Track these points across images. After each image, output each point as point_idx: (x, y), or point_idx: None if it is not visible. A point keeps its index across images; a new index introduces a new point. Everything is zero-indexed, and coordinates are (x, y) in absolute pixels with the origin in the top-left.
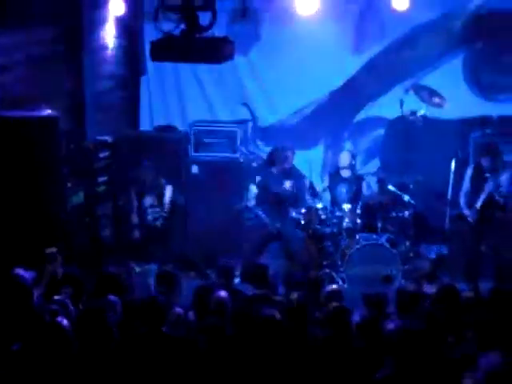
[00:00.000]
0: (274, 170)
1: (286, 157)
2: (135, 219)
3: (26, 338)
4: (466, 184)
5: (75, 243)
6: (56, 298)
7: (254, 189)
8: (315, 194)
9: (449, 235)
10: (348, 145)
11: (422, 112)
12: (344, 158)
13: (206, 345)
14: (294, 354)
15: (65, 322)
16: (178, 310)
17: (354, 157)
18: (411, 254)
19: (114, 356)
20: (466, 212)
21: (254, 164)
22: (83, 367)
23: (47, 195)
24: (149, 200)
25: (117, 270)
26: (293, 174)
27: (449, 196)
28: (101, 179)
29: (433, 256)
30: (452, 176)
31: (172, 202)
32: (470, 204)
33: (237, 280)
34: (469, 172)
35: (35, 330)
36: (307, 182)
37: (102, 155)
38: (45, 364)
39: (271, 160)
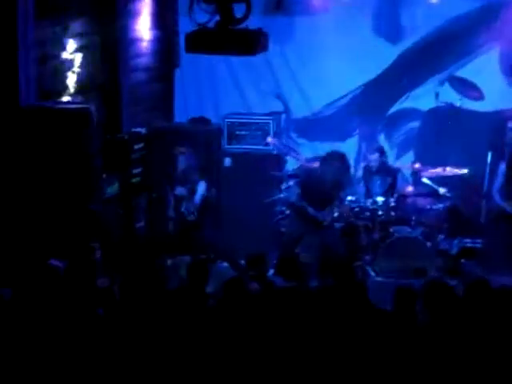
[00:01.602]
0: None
1: None
2: (170, 212)
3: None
4: (500, 179)
5: (110, 234)
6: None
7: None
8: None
9: (485, 228)
10: (382, 137)
11: (457, 104)
12: (373, 161)
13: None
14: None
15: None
16: (211, 301)
17: (383, 154)
18: (439, 247)
19: (147, 345)
20: (504, 204)
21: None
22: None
23: (82, 186)
24: (181, 190)
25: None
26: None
27: (485, 189)
28: (135, 171)
29: (455, 250)
30: (488, 169)
31: (204, 197)
32: (508, 197)
33: (271, 272)
34: (502, 167)
35: (73, 321)
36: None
37: (136, 147)
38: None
39: None
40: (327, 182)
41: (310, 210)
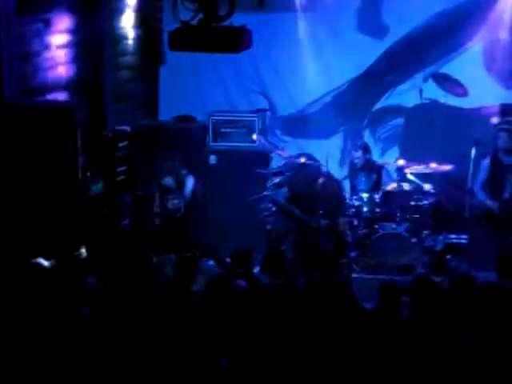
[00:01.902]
0: None
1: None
2: (156, 209)
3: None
4: (482, 175)
5: (96, 232)
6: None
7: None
8: None
9: (469, 224)
10: (366, 133)
11: (442, 100)
12: (357, 158)
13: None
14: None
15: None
16: (197, 298)
17: (367, 151)
18: (425, 244)
19: (134, 344)
20: (490, 203)
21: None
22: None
23: (66, 184)
24: (169, 181)
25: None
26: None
27: (469, 184)
28: (120, 169)
29: (440, 247)
30: (472, 165)
31: (193, 192)
32: (491, 193)
33: (257, 269)
34: (485, 163)
35: (60, 318)
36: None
37: (121, 145)
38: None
39: None
40: (317, 190)
41: (298, 212)
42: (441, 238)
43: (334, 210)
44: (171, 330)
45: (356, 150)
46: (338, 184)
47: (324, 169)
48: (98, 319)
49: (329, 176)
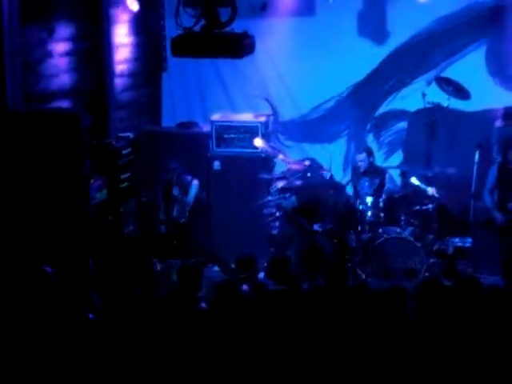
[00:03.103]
0: None
1: None
2: (161, 216)
3: (56, 334)
4: (490, 181)
5: (99, 239)
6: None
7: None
8: None
9: (474, 228)
10: (370, 138)
11: (445, 104)
12: (360, 161)
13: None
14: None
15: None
16: (203, 304)
17: (371, 154)
18: (435, 248)
19: (139, 350)
20: (497, 215)
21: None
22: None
23: (70, 191)
24: (175, 197)
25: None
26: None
27: (473, 188)
28: (123, 176)
29: (451, 250)
30: (476, 168)
31: (197, 197)
32: (501, 205)
33: (261, 275)
34: (494, 169)
35: (64, 324)
36: (328, 176)
37: (124, 152)
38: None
39: None
40: (327, 208)
41: (304, 222)
42: (451, 242)
43: (347, 223)
44: (177, 337)
45: (360, 153)
46: (348, 198)
47: (333, 180)
48: (104, 326)
49: (339, 188)
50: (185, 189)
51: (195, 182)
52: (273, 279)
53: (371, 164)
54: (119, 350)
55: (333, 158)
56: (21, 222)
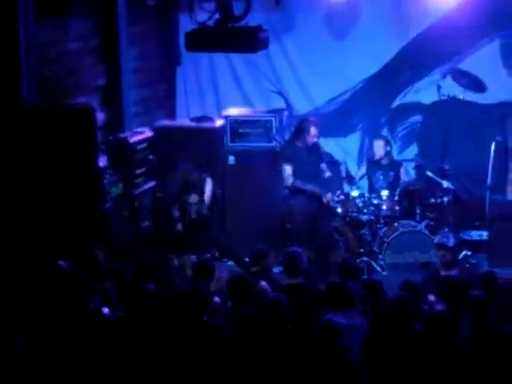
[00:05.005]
0: (299, 143)
1: (306, 129)
2: (176, 213)
3: (69, 327)
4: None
5: (115, 234)
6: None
7: (288, 169)
8: (352, 181)
9: (490, 221)
10: (384, 131)
11: (460, 96)
12: (378, 148)
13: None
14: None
15: (106, 310)
16: (216, 299)
17: (388, 143)
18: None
19: (155, 346)
20: None
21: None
22: (124, 355)
23: (86, 187)
24: (194, 197)
25: (154, 260)
26: (317, 150)
27: (489, 181)
28: (139, 171)
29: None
30: (492, 160)
31: (212, 194)
32: None
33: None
34: None
35: (79, 320)
36: (343, 169)
37: (139, 147)
38: (87, 352)
39: (295, 133)
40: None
41: (310, 186)
42: (451, 234)
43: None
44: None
45: (378, 139)
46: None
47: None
48: (118, 322)
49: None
50: (200, 190)
51: (209, 181)
52: (287, 274)
53: (387, 153)
54: (134, 346)
55: (347, 153)
56: (36, 217)
